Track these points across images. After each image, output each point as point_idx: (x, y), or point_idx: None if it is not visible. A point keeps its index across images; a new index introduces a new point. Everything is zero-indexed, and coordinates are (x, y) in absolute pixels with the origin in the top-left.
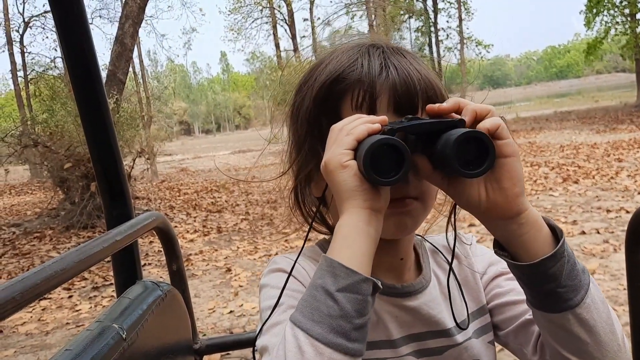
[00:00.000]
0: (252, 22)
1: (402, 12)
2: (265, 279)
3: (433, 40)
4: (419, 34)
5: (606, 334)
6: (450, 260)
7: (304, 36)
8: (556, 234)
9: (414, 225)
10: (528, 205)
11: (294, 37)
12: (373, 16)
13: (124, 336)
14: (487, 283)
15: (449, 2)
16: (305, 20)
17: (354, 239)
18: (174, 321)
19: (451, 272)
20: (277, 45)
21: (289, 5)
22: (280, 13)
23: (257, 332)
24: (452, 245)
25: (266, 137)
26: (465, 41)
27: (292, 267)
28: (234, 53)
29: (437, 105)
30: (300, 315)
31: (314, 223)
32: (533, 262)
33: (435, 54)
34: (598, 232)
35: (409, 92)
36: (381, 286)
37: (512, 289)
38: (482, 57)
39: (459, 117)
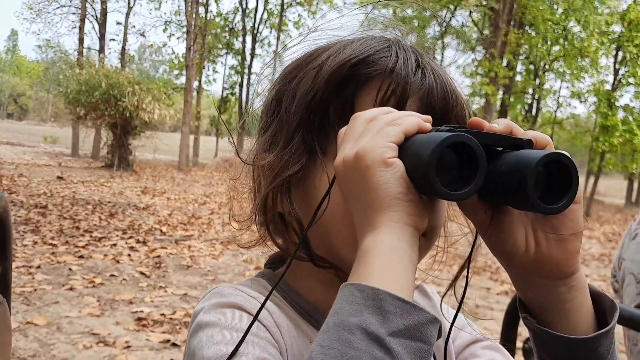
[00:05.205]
0: (58, 8)
1: (219, 46)
2: (210, 315)
3: (245, 81)
4: (233, 72)
5: None
6: (454, 317)
7: (113, 39)
8: (596, 304)
9: None
10: (580, 265)
11: (102, 37)
12: (192, 42)
13: None
14: (459, 350)
15: (266, 50)
16: (119, 23)
17: (397, 263)
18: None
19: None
20: (80, 41)
21: (103, 2)
22: (93, 8)
23: None
24: (429, 295)
25: (44, 134)
26: None
27: (263, 303)
28: (27, 34)
29: (481, 120)
30: None
31: (270, 240)
32: (588, 337)
33: (244, 95)
34: None
35: (445, 102)
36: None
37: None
38: None
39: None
